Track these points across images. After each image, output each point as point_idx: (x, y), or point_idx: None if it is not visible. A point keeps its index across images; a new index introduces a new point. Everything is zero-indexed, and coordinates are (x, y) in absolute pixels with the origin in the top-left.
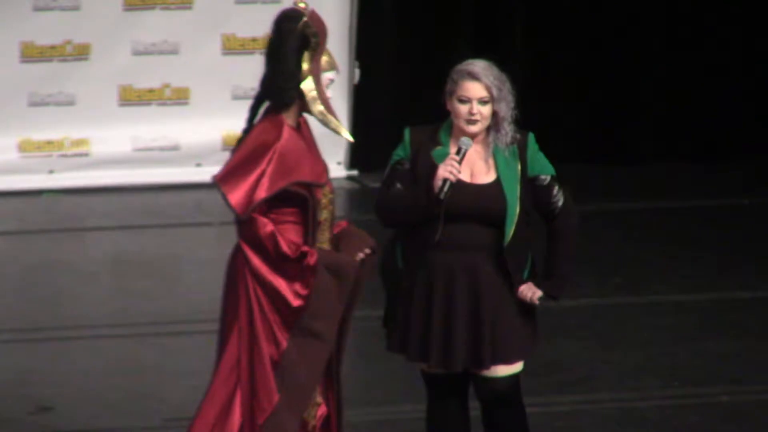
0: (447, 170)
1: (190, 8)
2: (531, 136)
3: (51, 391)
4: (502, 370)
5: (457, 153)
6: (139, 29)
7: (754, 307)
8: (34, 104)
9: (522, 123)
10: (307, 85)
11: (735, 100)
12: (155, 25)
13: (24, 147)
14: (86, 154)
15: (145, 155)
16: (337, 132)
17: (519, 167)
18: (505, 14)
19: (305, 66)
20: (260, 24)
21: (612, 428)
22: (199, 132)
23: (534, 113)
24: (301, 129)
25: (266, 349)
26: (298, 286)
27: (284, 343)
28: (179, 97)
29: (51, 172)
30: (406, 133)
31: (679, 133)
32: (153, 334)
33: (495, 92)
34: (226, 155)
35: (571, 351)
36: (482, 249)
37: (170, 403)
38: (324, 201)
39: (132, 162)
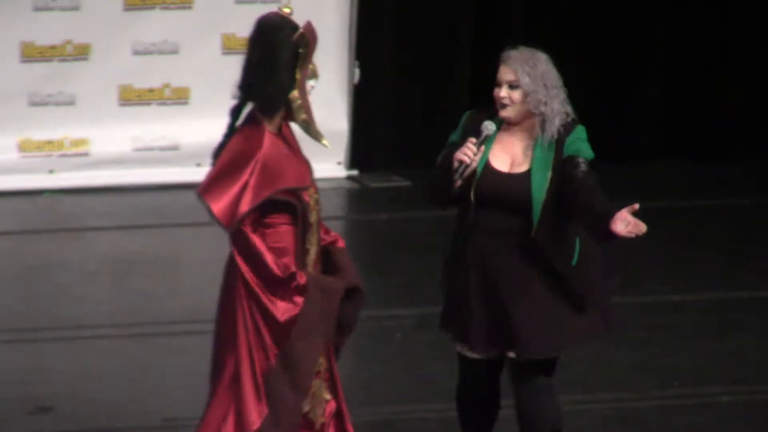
0: (463, 152)
1: (190, 8)
2: (579, 128)
3: (51, 391)
4: (522, 356)
5: (478, 137)
6: (139, 29)
7: (754, 307)
8: (34, 104)
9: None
10: (293, 94)
11: (736, 100)
12: (155, 25)
13: (24, 147)
14: (86, 154)
15: (145, 155)
16: (317, 140)
17: (553, 156)
18: (505, 13)
19: (297, 77)
20: None
21: (612, 428)
22: (199, 132)
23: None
24: (282, 132)
25: (258, 361)
26: (286, 305)
27: (273, 360)
28: (179, 97)
29: (51, 171)
30: (465, 116)
31: (679, 133)
32: (153, 334)
33: (525, 79)
34: None
35: (570, 351)
36: (512, 235)
37: (170, 403)
38: (311, 202)
39: (132, 162)
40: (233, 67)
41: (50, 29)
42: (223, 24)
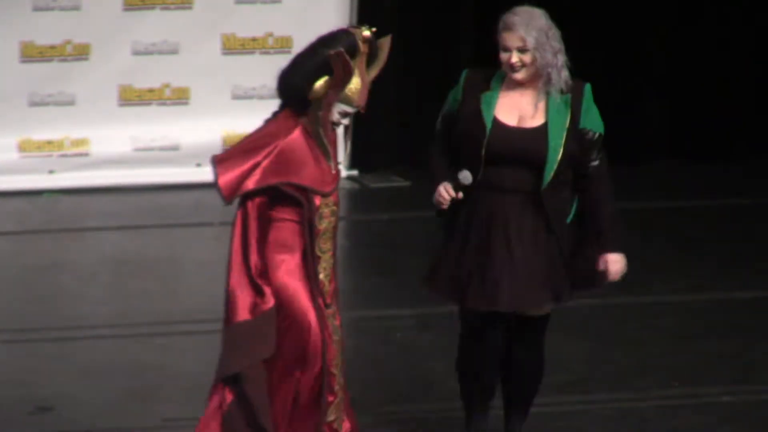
0: (441, 195)
1: (190, 8)
2: (587, 87)
3: (50, 392)
4: (535, 311)
5: (455, 188)
6: (139, 29)
7: (755, 307)
8: (34, 104)
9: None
10: (315, 105)
11: (736, 100)
12: (155, 25)
13: (24, 147)
14: (86, 154)
15: (145, 155)
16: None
17: (569, 116)
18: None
19: (318, 86)
20: (260, 24)
21: (612, 428)
22: (199, 132)
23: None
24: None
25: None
26: (244, 308)
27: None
28: (179, 97)
29: (51, 172)
30: (463, 74)
31: (679, 133)
32: (152, 334)
33: (531, 41)
34: None
35: (570, 351)
36: (522, 192)
37: (170, 404)
38: (325, 210)
39: (132, 162)
40: (233, 67)
41: (50, 29)
42: (222, 24)
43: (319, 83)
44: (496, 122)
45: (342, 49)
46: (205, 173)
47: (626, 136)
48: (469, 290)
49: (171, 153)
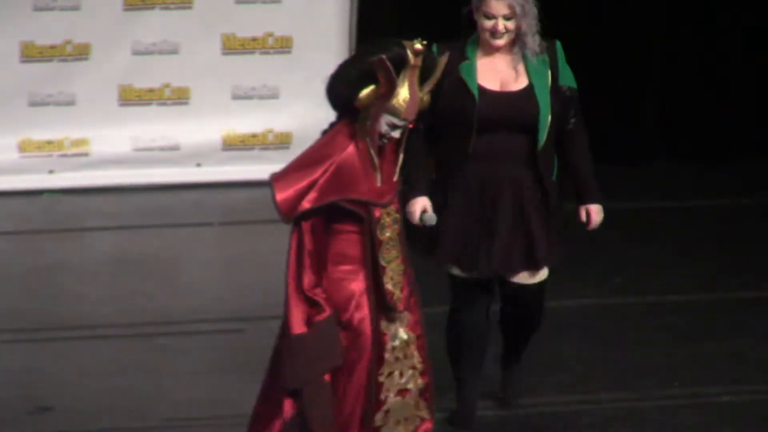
0: (410, 217)
1: (190, 8)
2: (559, 45)
3: (50, 392)
4: (534, 277)
5: (420, 219)
6: (139, 29)
7: (755, 307)
8: (34, 104)
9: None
10: (363, 115)
11: (735, 100)
12: (155, 25)
13: (24, 147)
14: (86, 154)
15: (145, 155)
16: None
17: (549, 75)
18: None
19: (363, 94)
20: (260, 24)
21: (612, 429)
22: (199, 132)
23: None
24: (377, 146)
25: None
26: (300, 320)
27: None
28: (179, 97)
29: (51, 172)
30: (435, 48)
31: (679, 133)
32: (153, 334)
33: (518, 9)
34: (225, 155)
35: (570, 351)
36: (516, 157)
37: (170, 404)
38: (387, 220)
39: (132, 162)
40: (233, 68)
41: (50, 29)
42: (223, 24)
43: (365, 92)
44: (482, 90)
45: (384, 57)
46: (204, 173)
47: (626, 137)
48: (467, 257)
49: (171, 153)
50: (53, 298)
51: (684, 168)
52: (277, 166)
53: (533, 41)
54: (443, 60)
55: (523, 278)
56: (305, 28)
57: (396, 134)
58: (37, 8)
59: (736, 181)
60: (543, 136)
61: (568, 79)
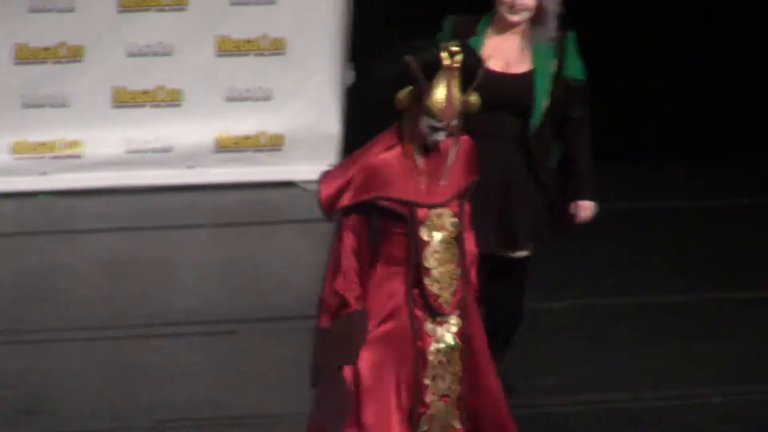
0: None
1: (184, 10)
2: (572, 36)
3: (42, 393)
4: (520, 253)
5: None
6: (134, 31)
7: (748, 307)
8: (28, 106)
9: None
10: (405, 117)
11: (735, 100)
12: (149, 26)
13: (18, 149)
14: (79, 156)
15: (138, 157)
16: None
17: (555, 63)
18: None
19: (401, 96)
20: (255, 26)
21: (604, 429)
22: (191, 134)
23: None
24: (426, 149)
25: None
26: (332, 312)
27: None
28: (172, 99)
29: (44, 173)
30: (450, 20)
31: (677, 133)
32: (145, 336)
33: None
34: (219, 157)
35: (563, 352)
36: (511, 138)
37: (161, 405)
38: (436, 222)
39: (125, 164)
40: (227, 69)
41: (45, 31)
42: (217, 26)
43: (403, 93)
44: None
45: (410, 57)
46: (197, 175)
47: (626, 137)
48: None
49: (164, 155)
50: (45, 300)
51: (677, 169)
52: (270, 168)
53: (552, 24)
54: (483, 71)
55: (510, 253)
56: (299, 29)
57: (439, 137)
58: (33, 10)
59: (729, 182)
60: (535, 120)
61: (575, 70)
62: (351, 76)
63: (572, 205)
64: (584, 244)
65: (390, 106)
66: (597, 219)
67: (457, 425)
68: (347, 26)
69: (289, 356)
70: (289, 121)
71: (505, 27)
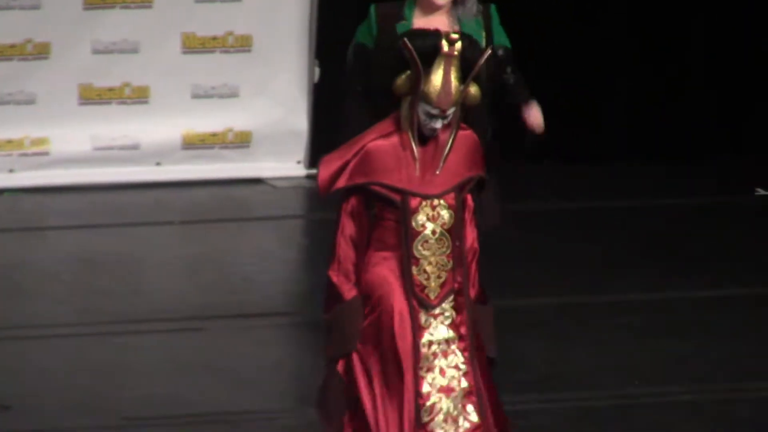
0: None
1: (150, 7)
2: (493, 8)
3: (10, 390)
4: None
5: None
6: (100, 28)
7: (717, 306)
8: None
9: (493, 122)
10: (403, 103)
11: (703, 100)
12: (115, 24)
13: None
14: (46, 153)
15: (105, 154)
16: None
17: (484, 37)
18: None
19: (399, 82)
20: (220, 23)
21: (572, 427)
22: (158, 131)
23: (502, 112)
24: (424, 139)
25: None
26: (331, 300)
27: None
28: (139, 96)
29: (11, 171)
30: (372, 9)
31: (645, 133)
32: (113, 333)
33: None
34: (186, 154)
35: (531, 350)
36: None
37: (129, 402)
38: (429, 213)
39: (92, 161)
40: (193, 66)
41: (10, 28)
42: (183, 23)
43: (400, 79)
44: None
45: (405, 40)
46: (165, 172)
47: (595, 137)
48: None
49: (131, 152)
50: (13, 297)
51: (643, 168)
52: (237, 165)
53: (472, 3)
54: (486, 52)
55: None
56: (265, 27)
57: (436, 124)
58: None
59: (697, 181)
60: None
61: (502, 39)
62: (318, 72)
63: (524, 113)
64: (555, 243)
65: (376, 97)
66: (567, 217)
67: (474, 419)
68: (313, 22)
69: (257, 353)
70: (256, 118)
71: (432, 8)
